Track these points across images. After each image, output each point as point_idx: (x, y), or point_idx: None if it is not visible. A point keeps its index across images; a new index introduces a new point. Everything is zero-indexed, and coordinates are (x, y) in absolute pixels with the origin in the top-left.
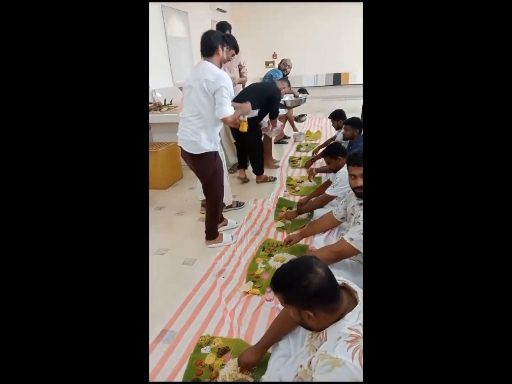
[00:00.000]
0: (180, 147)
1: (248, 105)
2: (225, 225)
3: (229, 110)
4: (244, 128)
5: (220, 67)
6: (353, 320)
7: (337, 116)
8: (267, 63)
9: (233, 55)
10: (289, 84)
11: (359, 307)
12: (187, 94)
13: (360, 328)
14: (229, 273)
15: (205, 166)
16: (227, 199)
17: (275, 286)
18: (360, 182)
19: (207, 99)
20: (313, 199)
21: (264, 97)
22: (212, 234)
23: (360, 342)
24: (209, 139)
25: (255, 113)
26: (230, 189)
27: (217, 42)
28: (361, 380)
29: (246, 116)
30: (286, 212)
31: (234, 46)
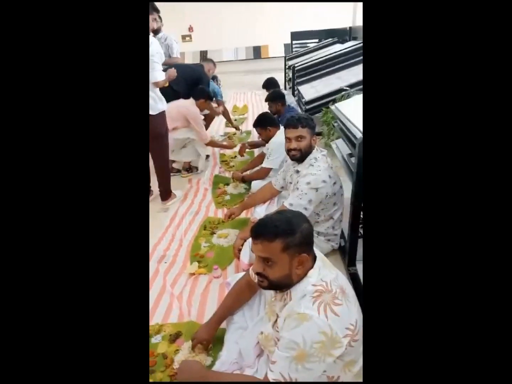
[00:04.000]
0: None
1: (173, 71)
2: (174, 197)
3: (159, 75)
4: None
5: (153, 34)
6: (315, 276)
7: (268, 87)
8: (183, 37)
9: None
10: (214, 65)
11: (318, 263)
12: None
13: (323, 283)
14: (171, 257)
15: (160, 125)
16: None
17: (273, 233)
18: (293, 144)
19: None
20: (248, 172)
21: (194, 78)
22: (168, 192)
23: (324, 296)
24: (161, 99)
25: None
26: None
27: None
28: (328, 332)
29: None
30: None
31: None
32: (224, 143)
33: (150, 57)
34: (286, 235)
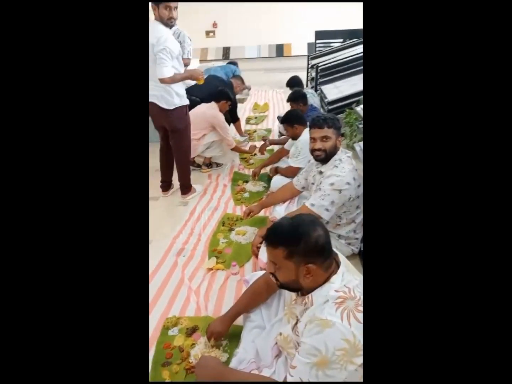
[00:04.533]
0: (152, 103)
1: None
2: (194, 191)
3: (166, 71)
4: (200, 82)
5: (168, 26)
6: (338, 282)
7: (292, 85)
8: (207, 33)
9: None
10: (243, 82)
11: (342, 268)
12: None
13: (346, 289)
14: (190, 251)
15: (178, 120)
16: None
17: (277, 241)
18: (318, 144)
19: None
20: (269, 166)
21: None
22: (188, 186)
23: (347, 303)
24: (178, 95)
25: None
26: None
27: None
28: (351, 340)
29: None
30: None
31: None
32: (247, 147)
33: (159, 52)
34: (288, 244)
